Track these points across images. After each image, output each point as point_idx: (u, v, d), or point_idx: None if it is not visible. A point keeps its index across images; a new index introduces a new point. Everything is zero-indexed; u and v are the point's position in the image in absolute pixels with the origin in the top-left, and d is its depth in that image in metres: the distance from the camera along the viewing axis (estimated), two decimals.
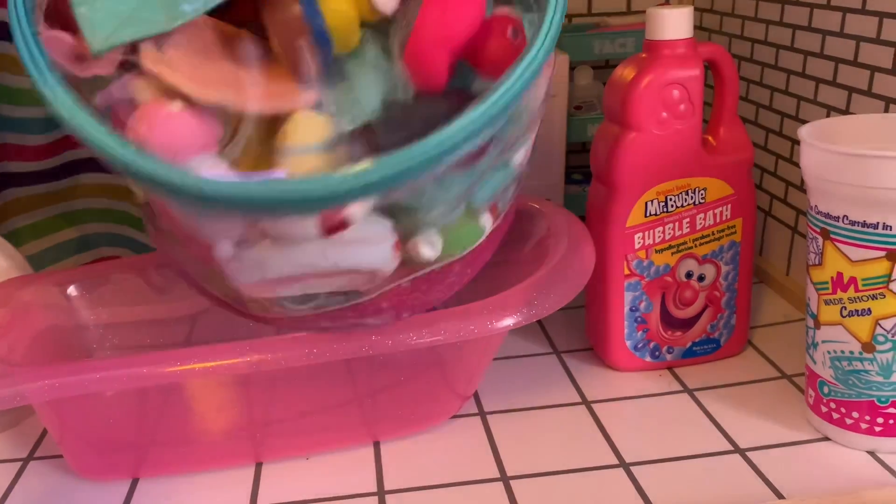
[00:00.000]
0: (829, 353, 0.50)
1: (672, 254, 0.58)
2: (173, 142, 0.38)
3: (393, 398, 0.54)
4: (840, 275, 0.47)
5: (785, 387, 0.59)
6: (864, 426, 0.50)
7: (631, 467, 0.51)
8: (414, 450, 0.54)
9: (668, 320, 0.60)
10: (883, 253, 0.45)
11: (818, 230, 0.48)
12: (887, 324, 0.47)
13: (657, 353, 0.61)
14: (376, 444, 0.55)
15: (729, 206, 0.58)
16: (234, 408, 0.52)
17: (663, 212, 0.57)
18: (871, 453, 0.50)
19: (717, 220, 0.58)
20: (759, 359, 0.63)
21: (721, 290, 0.60)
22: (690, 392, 0.58)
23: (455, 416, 0.57)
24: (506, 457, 0.52)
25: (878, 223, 0.45)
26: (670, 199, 0.56)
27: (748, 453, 0.51)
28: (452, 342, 0.49)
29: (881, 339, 0.47)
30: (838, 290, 0.48)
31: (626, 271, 0.58)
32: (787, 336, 0.66)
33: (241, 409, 0.52)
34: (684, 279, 0.59)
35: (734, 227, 0.59)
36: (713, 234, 0.58)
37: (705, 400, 0.57)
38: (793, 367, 0.61)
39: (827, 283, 0.48)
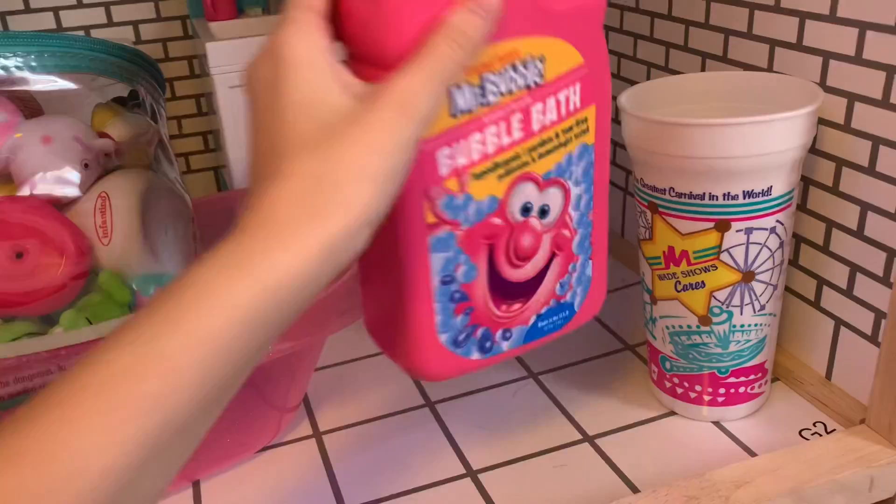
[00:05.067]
0: (667, 328, 0.48)
1: (500, 178, 0.35)
2: None
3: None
4: (671, 249, 0.45)
5: (629, 360, 0.57)
6: (707, 398, 0.49)
7: (479, 475, 0.47)
8: (238, 483, 0.48)
9: (501, 288, 0.38)
10: (711, 224, 0.43)
11: (646, 204, 0.46)
12: (721, 295, 0.45)
13: (487, 343, 0.39)
14: (195, 485, 0.48)
15: (578, 86, 0.36)
16: None
17: (481, 104, 0.34)
18: (717, 423, 0.49)
19: (563, 113, 0.36)
20: (601, 329, 0.60)
21: (571, 226, 0.39)
22: (535, 377, 0.55)
23: (287, 441, 0.51)
24: (342, 478, 0.47)
25: (704, 193, 0.43)
26: (491, 83, 0.33)
27: (597, 440, 0.49)
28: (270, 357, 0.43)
29: (717, 311, 0.45)
30: (671, 264, 0.46)
31: (430, 218, 0.35)
32: (626, 302, 0.64)
33: None
34: (520, 218, 0.37)
35: (585, 121, 0.37)
36: (557, 136, 0.36)
37: (551, 384, 0.55)
38: (635, 336, 0.59)
39: (659, 257, 0.46)
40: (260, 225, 0.27)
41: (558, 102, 0.36)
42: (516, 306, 0.39)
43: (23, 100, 0.42)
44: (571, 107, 0.36)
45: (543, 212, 0.38)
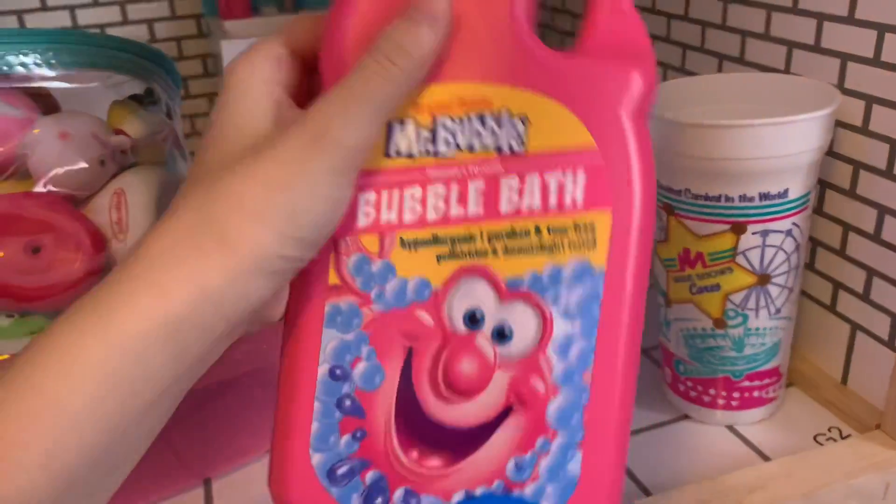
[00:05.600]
0: (681, 331, 0.48)
1: (439, 258, 0.27)
2: None
3: (218, 427, 0.47)
4: (687, 251, 0.45)
5: (642, 363, 0.56)
6: (721, 402, 0.48)
7: None
8: (249, 482, 0.48)
9: (416, 424, 0.27)
10: (727, 226, 0.43)
11: (661, 205, 0.45)
12: (736, 298, 0.45)
13: (378, 500, 0.27)
14: (207, 484, 0.48)
15: (581, 173, 0.26)
16: None
17: (427, 153, 0.27)
18: (730, 427, 0.49)
19: (552, 203, 0.26)
20: None
21: (549, 379, 0.27)
22: None
23: None
24: None
25: (720, 195, 0.42)
26: (445, 127, 0.26)
27: None
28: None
29: (732, 314, 0.45)
30: (686, 266, 0.45)
31: (334, 278, 0.27)
32: None
33: None
34: (463, 327, 0.27)
35: (591, 228, 0.27)
36: (538, 231, 0.27)
37: None
38: (648, 339, 0.59)
39: (674, 259, 0.46)
40: (133, 263, 0.24)
41: (545, 186, 0.26)
42: (434, 462, 0.26)
43: (40, 96, 0.43)
44: (568, 200, 0.26)
45: (502, 334, 0.27)
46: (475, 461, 0.26)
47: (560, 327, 0.26)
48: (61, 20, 0.78)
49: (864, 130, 0.45)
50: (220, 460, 0.48)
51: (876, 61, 0.43)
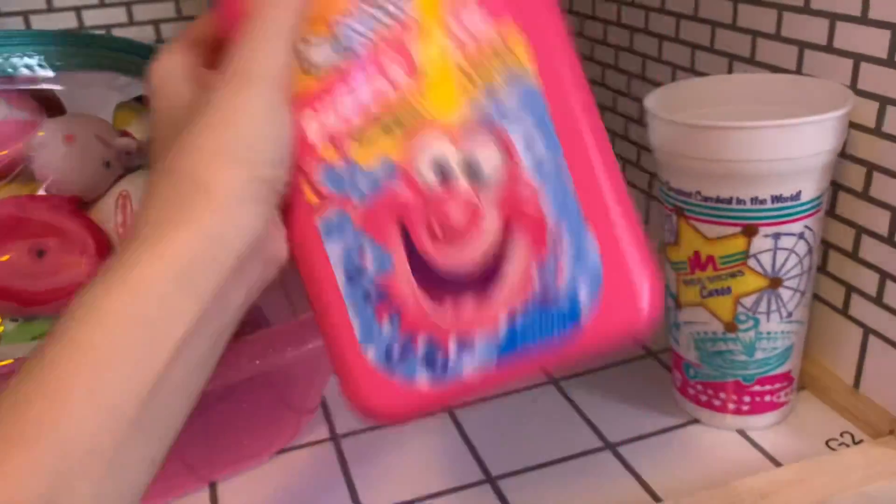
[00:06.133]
0: (692, 334, 0.47)
1: (391, 135, 0.29)
2: None
3: (224, 430, 0.47)
4: (697, 254, 0.44)
5: (652, 366, 0.56)
6: (731, 406, 0.48)
7: (498, 481, 0.46)
8: (255, 485, 0.48)
9: (435, 280, 0.29)
10: (739, 229, 0.42)
11: (672, 207, 0.45)
12: (747, 301, 0.44)
13: (438, 359, 0.29)
14: (212, 487, 0.48)
15: (474, 3, 0.29)
16: None
17: (339, 53, 0.29)
18: (741, 432, 0.48)
19: (461, 41, 0.29)
20: None
21: (531, 182, 0.28)
22: (556, 383, 0.55)
23: (304, 444, 0.51)
24: (359, 482, 0.47)
25: (731, 198, 0.42)
26: (344, 26, 0.29)
27: (619, 448, 0.48)
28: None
29: (743, 317, 0.45)
30: (696, 269, 0.45)
31: (312, 198, 0.29)
32: None
33: None
34: (437, 181, 0.29)
35: (507, 48, 0.28)
36: (462, 71, 0.29)
37: (571, 390, 0.54)
38: (658, 342, 0.59)
39: (685, 262, 0.45)
40: (134, 232, 0.26)
41: (448, 30, 0.28)
42: (468, 304, 0.28)
43: (45, 98, 0.42)
44: (474, 30, 0.28)
45: (472, 170, 0.28)
46: (503, 284, 0.28)
47: (516, 133, 0.28)
48: (67, 21, 0.78)
49: (877, 132, 0.44)
50: (225, 463, 0.48)
51: (890, 62, 0.43)
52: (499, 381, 0.29)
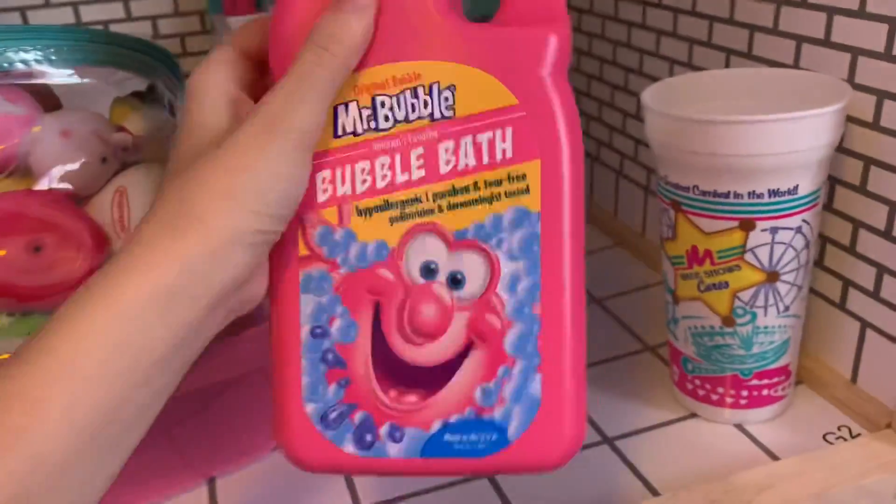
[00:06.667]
0: (689, 328, 0.47)
1: (392, 221, 0.30)
2: None
3: (222, 426, 0.47)
4: (695, 248, 0.44)
5: (650, 361, 0.56)
6: (729, 400, 0.48)
7: (496, 474, 0.46)
8: (253, 481, 0.48)
9: (391, 367, 0.31)
10: (736, 223, 0.42)
11: (669, 202, 0.45)
12: (745, 295, 0.44)
13: (368, 436, 0.31)
14: (211, 483, 0.48)
15: (509, 130, 0.30)
16: None
17: (370, 129, 0.30)
18: (739, 426, 0.48)
19: (485, 160, 0.30)
20: (621, 330, 0.60)
21: (501, 315, 0.30)
22: None
23: None
24: (360, 482, 0.47)
25: (728, 192, 0.42)
26: (383, 105, 0.30)
27: (616, 442, 0.48)
28: None
29: (740, 311, 0.45)
30: (694, 264, 0.45)
31: (303, 250, 0.31)
32: (647, 302, 0.63)
33: None
34: (420, 278, 0.31)
35: (523, 178, 0.30)
36: (476, 186, 0.30)
37: None
38: (656, 337, 0.59)
39: (682, 256, 0.45)
40: (125, 250, 0.27)
41: (478, 145, 0.30)
42: (411, 398, 0.31)
43: (42, 93, 0.42)
44: (499, 155, 0.30)
45: (455, 280, 0.30)
46: (447, 393, 0.31)
47: (507, 267, 0.30)
48: (65, 17, 0.77)
49: (875, 126, 0.44)
50: (223, 459, 0.48)
51: (887, 55, 0.43)
52: (419, 472, 0.31)
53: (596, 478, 0.45)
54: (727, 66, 0.55)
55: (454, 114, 0.30)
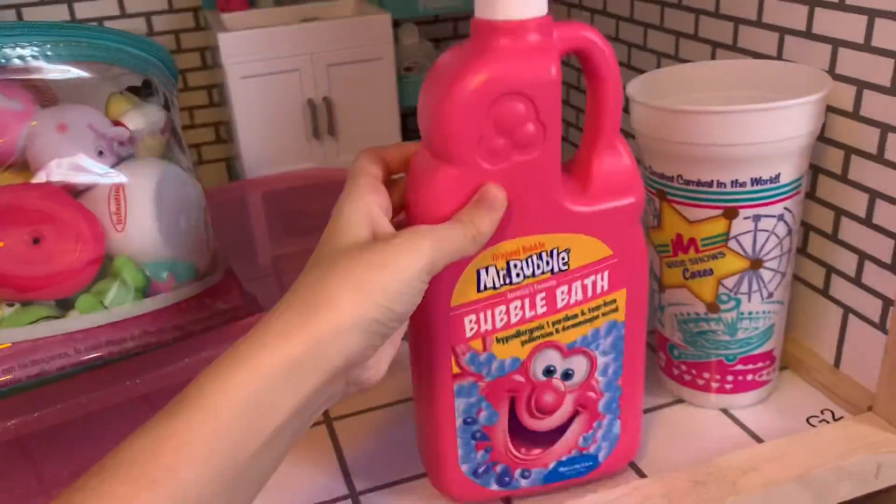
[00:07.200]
0: (675, 315, 0.48)
1: (522, 343, 0.40)
2: None
3: None
4: (679, 236, 0.45)
5: None
6: (715, 385, 0.49)
7: None
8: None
9: (521, 434, 0.42)
10: (720, 211, 0.43)
11: (654, 191, 0.46)
12: (729, 282, 0.45)
13: (506, 478, 0.43)
14: None
15: (606, 273, 0.39)
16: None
17: (505, 284, 0.38)
18: (725, 411, 0.49)
19: (589, 295, 0.39)
20: None
21: (597, 390, 0.42)
22: None
23: None
24: (352, 464, 0.48)
25: (712, 181, 0.43)
26: (515, 267, 0.38)
27: None
28: None
29: (724, 298, 0.46)
30: (679, 252, 0.46)
31: (455, 369, 0.40)
32: None
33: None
34: (542, 377, 0.41)
35: (614, 301, 0.40)
36: (583, 313, 0.40)
37: None
38: None
39: (667, 245, 0.46)
40: (264, 322, 0.32)
41: (584, 286, 0.39)
42: (536, 451, 0.43)
43: (39, 88, 0.43)
44: (599, 290, 0.39)
45: (567, 375, 0.41)
46: (560, 444, 0.43)
47: (601, 360, 0.41)
48: (59, 14, 0.78)
49: (855, 115, 0.45)
50: None
51: (867, 46, 0.44)
52: (541, 492, 0.45)
53: None
54: (713, 58, 0.56)
55: (568, 267, 0.39)
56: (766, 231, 0.44)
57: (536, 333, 0.40)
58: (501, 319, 0.39)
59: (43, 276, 0.40)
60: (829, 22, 0.46)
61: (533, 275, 0.38)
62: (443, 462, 0.42)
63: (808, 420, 0.48)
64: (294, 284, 0.33)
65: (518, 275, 0.38)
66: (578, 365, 0.41)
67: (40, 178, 0.41)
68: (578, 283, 0.39)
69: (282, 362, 0.31)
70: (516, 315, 0.39)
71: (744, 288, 0.45)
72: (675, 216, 0.45)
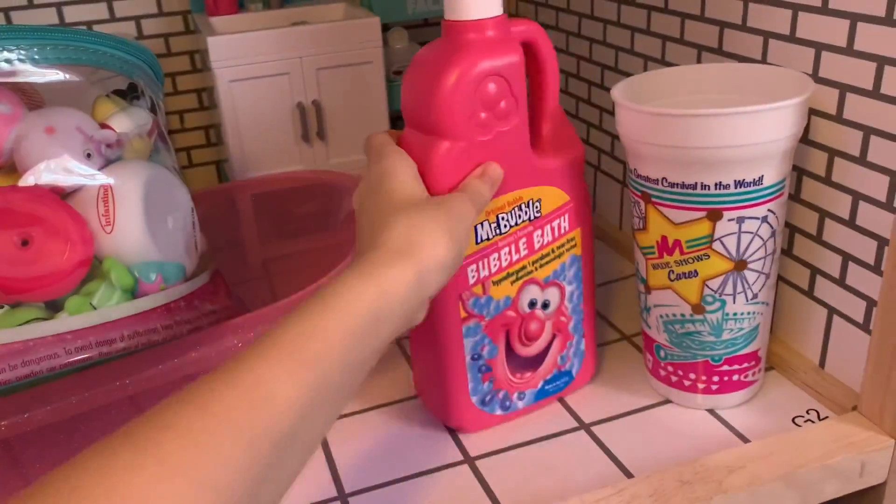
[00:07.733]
0: (661, 317, 0.48)
1: (512, 283, 0.47)
2: None
3: None
4: (664, 238, 0.46)
5: (626, 349, 0.57)
6: (701, 386, 0.49)
7: (476, 461, 0.48)
8: None
9: (515, 361, 0.50)
10: (703, 213, 0.44)
11: (639, 194, 0.46)
12: (714, 283, 0.46)
13: (507, 403, 0.50)
14: None
15: (566, 215, 0.48)
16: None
17: (496, 234, 0.46)
18: (711, 411, 0.50)
19: (556, 235, 0.48)
20: (598, 320, 0.61)
21: (567, 314, 0.51)
22: None
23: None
24: (341, 465, 0.48)
25: (696, 183, 0.43)
26: (503, 219, 0.46)
27: (593, 428, 0.49)
28: None
29: (710, 299, 0.46)
30: (664, 253, 0.46)
31: (463, 314, 0.47)
32: (623, 293, 0.65)
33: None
34: (528, 310, 0.49)
35: (573, 239, 0.49)
36: (553, 251, 0.48)
37: None
38: (632, 326, 0.60)
39: (653, 247, 0.47)
40: (376, 254, 0.37)
41: (553, 228, 0.48)
42: (527, 374, 0.51)
43: (26, 91, 0.43)
44: (562, 230, 0.48)
45: (545, 305, 0.50)
46: (544, 365, 0.51)
47: (567, 289, 0.50)
48: (48, 17, 0.78)
49: (838, 118, 0.46)
50: None
51: (849, 50, 0.44)
52: (534, 410, 0.52)
53: (574, 462, 0.47)
54: (699, 61, 0.56)
55: (541, 214, 0.47)
56: (750, 233, 0.44)
57: (521, 273, 0.48)
58: (495, 265, 0.47)
59: (32, 277, 0.40)
60: (812, 26, 0.46)
61: (516, 223, 0.47)
62: (457, 398, 0.49)
63: (793, 420, 0.48)
64: (390, 224, 0.38)
65: (505, 225, 0.46)
66: (553, 295, 0.50)
67: (28, 180, 0.41)
68: (549, 227, 0.48)
69: (397, 288, 0.35)
70: (506, 259, 0.47)
71: (728, 289, 0.46)
72: (659, 218, 0.45)
